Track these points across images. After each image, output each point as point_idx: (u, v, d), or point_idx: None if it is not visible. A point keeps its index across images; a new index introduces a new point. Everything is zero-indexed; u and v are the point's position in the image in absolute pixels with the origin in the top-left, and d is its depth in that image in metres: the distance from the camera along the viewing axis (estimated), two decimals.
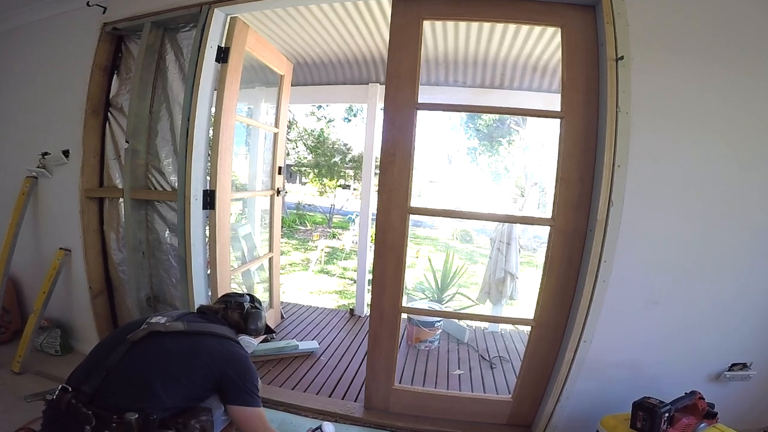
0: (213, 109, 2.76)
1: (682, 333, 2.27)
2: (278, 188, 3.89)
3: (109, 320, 3.19)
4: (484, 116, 16.26)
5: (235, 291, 2.35)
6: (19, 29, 3.29)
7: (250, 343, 2.09)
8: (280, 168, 3.88)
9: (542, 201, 15.87)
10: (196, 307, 2.34)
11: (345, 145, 17.16)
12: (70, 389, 1.55)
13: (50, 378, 2.84)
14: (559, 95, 2.27)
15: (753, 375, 2.33)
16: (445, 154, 20.81)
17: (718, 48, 2.06)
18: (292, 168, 19.05)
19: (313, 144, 16.58)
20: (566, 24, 2.23)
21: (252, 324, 2.09)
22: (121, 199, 2.98)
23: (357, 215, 10.49)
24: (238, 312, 2.09)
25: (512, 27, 3.19)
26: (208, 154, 2.78)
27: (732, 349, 2.32)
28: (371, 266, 2.60)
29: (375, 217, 2.50)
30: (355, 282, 5.21)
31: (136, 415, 1.49)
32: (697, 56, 2.06)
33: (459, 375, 3.42)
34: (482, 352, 3.84)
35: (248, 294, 2.25)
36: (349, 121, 17.13)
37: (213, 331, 1.87)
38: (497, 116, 15.60)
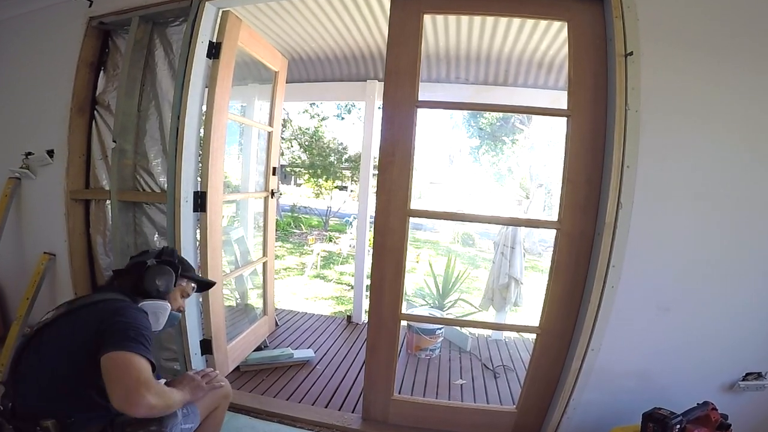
0: (204, 107, 2.76)
1: (695, 341, 2.26)
2: (272, 190, 3.88)
3: None
4: (487, 115, 16.26)
5: (148, 249, 2.02)
6: (1, 24, 3.29)
7: (156, 306, 1.76)
8: (274, 169, 3.88)
9: (548, 203, 15.92)
10: None
11: (340, 144, 17.16)
12: None
13: None
14: (566, 92, 2.28)
15: None
16: (447, 154, 20.80)
17: (732, 43, 2.06)
18: (286, 169, 19.05)
19: (307, 143, 16.58)
20: (573, 18, 2.23)
21: (147, 282, 1.76)
22: (108, 201, 2.97)
23: (354, 218, 10.50)
24: (135, 273, 1.79)
25: (516, 21, 3.20)
26: (199, 154, 2.77)
27: (746, 358, 2.30)
28: (369, 271, 2.60)
29: (373, 219, 2.49)
30: (352, 288, 5.20)
31: (53, 420, 1.42)
32: (710, 52, 2.06)
33: (461, 385, 3.42)
34: (485, 361, 3.84)
35: (164, 248, 1.98)
36: (343, 118, 17.12)
37: (95, 299, 1.64)
38: (501, 114, 15.58)
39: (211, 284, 2.17)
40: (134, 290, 1.76)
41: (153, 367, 1.46)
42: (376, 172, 2.63)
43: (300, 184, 21.39)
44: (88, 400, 1.48)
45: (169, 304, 1.81)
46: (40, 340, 1.55)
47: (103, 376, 1.38)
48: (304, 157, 16.99)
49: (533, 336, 2.52)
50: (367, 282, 4.41)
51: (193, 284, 2.02)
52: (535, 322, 2.46)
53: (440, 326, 3.99)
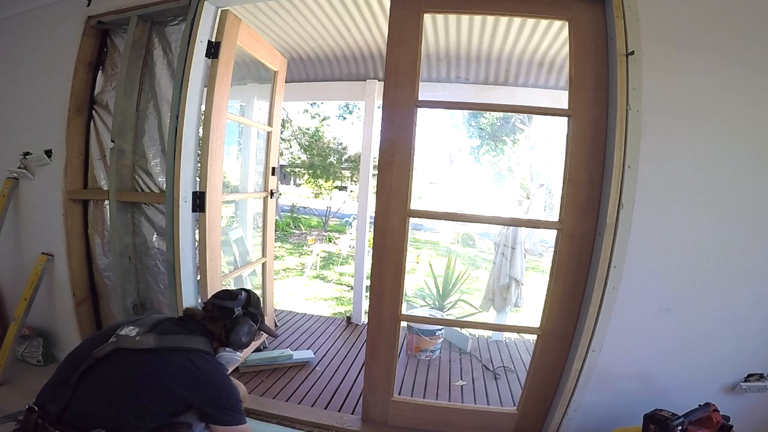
0: (203, 107, 2.76)
1: (696, 342, 2.26)
2: (272, 190, 3.88)
3: (94, 328, 3.18)
4: (488, 114, 16.26)
5: (229, 289, 2.11)
6: None
7: (232, 359, 1.94)
8: (273, 169, 3.87)
9: (549, 203, 15.90)
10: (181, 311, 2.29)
11: (340, 144, 17.17)
12: (36, 409, 1.54)
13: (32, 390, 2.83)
14: (567, 92, 2.28)
15: None
16: (447, 154, 20.78)
17: (734, 43, 2.06)
18: (285, 169, 19.05)
19: (307, 143, 16.59)
20: (574, 17, 2.23)
21: (234, 337, 1.89)
22: (106, 202, 2.97)
23: (354, 218, 10.50)
24: (222, 321, 1.91)
25: (517, 21, 3.20)
26: (198, 154, 2.77)
27: (748, 359, 2.30)
28: (369, 272, 2.59)
29: (373, 220, 2.49)
30: (352, 288, 5.20)
31: (101, 430, 1.47)
32: (712, 51, 2.06)
33: (461, 386, 3.42)
34: (486, 362, 3.83)
35: (245, 291, 2.06)
36: (344, 119, 17.13)
37: (184, 346, 1.75)
38: (501, 114, 15.59)
39: (273, 336, 2.38)
40: (218, 338, 1.89)
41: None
42: (376, 172, 2.63)
43: (299, 185, 21.38)
44: (144, 422, 1.58)
45: (241, 356, 2.00)
46: (115, 366, 1.63)
47: None
48: (303, 157, 17.00)
49: (534, 337, 2.52)
50: (366, 283, 4.41)
51: (262, 334, 2.20)
52: (536, 323, 2.46)
53: (440, 327, 3.98)
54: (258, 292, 4.11)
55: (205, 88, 2.75)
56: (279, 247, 12.44)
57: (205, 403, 1.68)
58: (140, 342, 1.67)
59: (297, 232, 15.23)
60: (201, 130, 2.78)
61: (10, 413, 2.45)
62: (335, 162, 16.74)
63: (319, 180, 16.88)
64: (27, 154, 3.05)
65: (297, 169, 18.59)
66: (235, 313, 1.93)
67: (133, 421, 1.55)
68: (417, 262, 10.94)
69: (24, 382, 2.92)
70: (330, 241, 13.05)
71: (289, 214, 17.39)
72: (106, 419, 1.51)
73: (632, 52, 2.04)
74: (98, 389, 1.58)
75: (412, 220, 2.50)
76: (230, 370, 1.93)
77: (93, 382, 1.59)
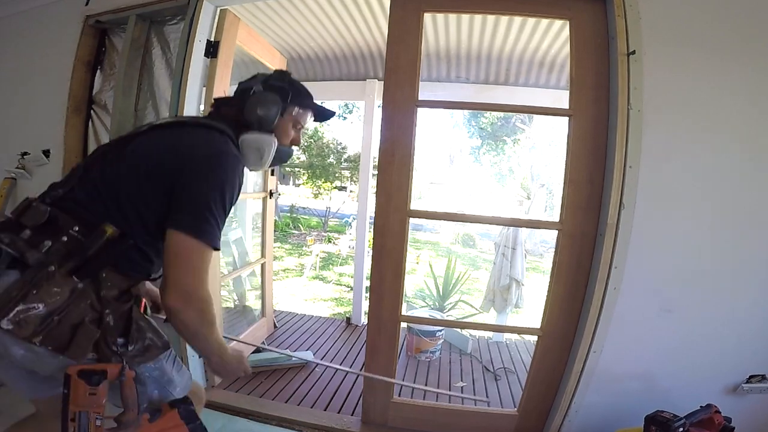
0: (202, 107, 2.76)
1: (697, 343, 2.26)
2: (271, 190, 3.88)
3: None
4: (488, 114, 16.28)
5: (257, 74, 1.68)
6: None
7: (257, 140, 1.50)
8: (273, 169, 3.87)
9: (549, 203, 15.93)
10: None
11: (339, 144, 17.18)
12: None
13: None
14: (568, 92, 2.28)
15: None
16: (447, 154, 20.83)
17: (736, 43, 2.06)
18: (284, 169, 19.05)
19: (306, 143, 16.60)
20: (575, 17, 2.23)
21: (250, 111, 1.49)
22: None
23: (354, 218, 10.49)
24: (237, 102, 1.53)
25: (518, 20, 3.20)
26: None
27: (750, 360, 2.30)
28: (369, 272, 2.59)
29: (373, 220, 2.49)
30: (351, 289, 5.20)
31: (114, 228, 1.24)
32: (714, 51, 2.06)
33: (462, 387, 3.42)
34: (486, 363, 3.83)
35: (275, 71, 1.70)
36: (344, 118, 17.15)
37: (199, 121, 1.49)
38: (502, 114, 15.61)
39: (330, 114, 1.82)
40: (236, 122, 1.50)
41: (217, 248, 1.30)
42: (376, 172, 2.63)
43: (299, 185, 21.42)
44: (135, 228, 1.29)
45: (274, 138, 1.53)
46: (127, 147, 1.37)
47: (164, 247, 1.25)
48: (303, 157, 17.01)
49: (534, 338, 2.52)
50: (366, 283, 4.41)
51: (310, 113, 1.69)
52: (537, 323, 2.45)
53: (440, 328, 3.98)
54: (257, 293, 4.15)
55: (204, 88, 2.75)
56: (278, 247, 12.44)
57: (181, 185, 1.27)
58: (158, 122, 1.49)
59: (296, 232, 15.23)
60: None
61: None
62: (335, 162, 16.76)
63: (319, 180, 16.89)
64: (25, 154, 3.05)
65: (296, 169, 18.61)
66: (253, 90, 1.53)
67: (129, 211, 1.28)
68: (417, 263, 10.94)
69: None
70: (329, 242, 13.05)
71: (289, 214, 17.39)
72: (107, 211, 1.27)
73: (633, 52, 2.04)
74: (106, 173, 1.33)
75: (412, 221, 2.50)
76: (265, 157, 1.52)
77: (105, 166, 1.35)
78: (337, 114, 16.62)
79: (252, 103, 1.49)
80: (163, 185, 1.28)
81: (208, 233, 1.25)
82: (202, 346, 1.36)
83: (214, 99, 1.65)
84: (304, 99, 1.65)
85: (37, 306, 1.11)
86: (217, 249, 1.29)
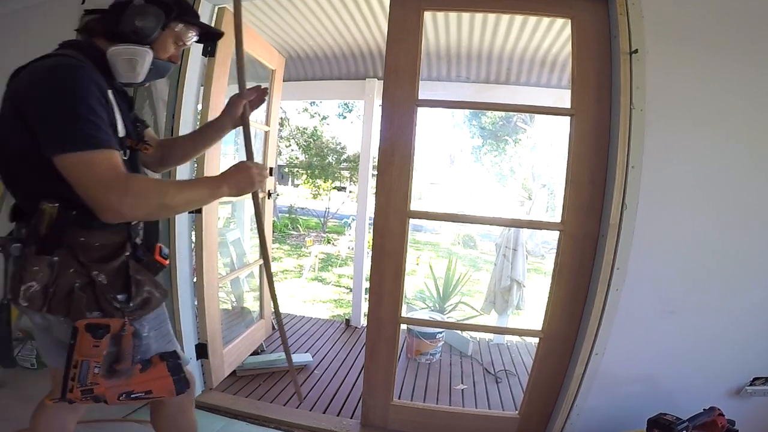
0: (200, 106, 2.76)
1: (700, 345, 2.26)
2: (269, 190, 3.88)
3: None
4: (489, 114, 16.30)
5: None
6: None
7: (134, 53, 1.39)
8: (271, 169, 3.87)
9: (551, 204, 15.92)
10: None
11: (339, 143, 17.19)
12: None
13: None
14: (569, 91, 2.27)
15: None
16: (448, 154, 20.84)
17: (739, 41, 2.06)
18: (283, 169, 19.07)
19: (305, 143, 16.60)
20: (576, 15, 2.23)
21: (126, 22, 1.36)
22: None
23: (353, 219, 10.50)
24: (112, 14, 1.40)
25: (519, 18, 3.20)
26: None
27: (754, 362, 2.30)
28: (368, 274, 2.59)
29: (372, 221, 2.49)
30: (351, 290, 5.20)
31: (49, 204, 1.26)
32: (717, 50, 2.05)
33: (462, 390, 3.42)
34: (487, 366, 3.83)
35: None
36: (344, 117, 17.15)
37: (46, 54, 1.37)
38: (503, 114, 15.63)
39: (217, 34, 1.75)
40: (108, 34, 1.40)
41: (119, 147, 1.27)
42: (376, 172, 2.63)
43: (298, 185, 21.41)
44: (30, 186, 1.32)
45: (149, 50, 1.41)
46: None
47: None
48: (302, 157, 17.02)
49: (536, 340, 2.52)
50: (366, 285, 4.41)
51: (192, 30, 1.57)
52: (538, 325, 2.45)
53: (441, 330, 3.97)
54: (255, 294, 4.14)
55: (202, 87, 2.75)
56: (277, 248, 12.44)
57: (34, 114, 1.21)
58: None
59: (295, 233, 15.23)
60: None
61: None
62: (334, 162, 16.75)
63: (318, 180, 16.89)
64: None
65: (295, 169, 18.62)
66: (133, 2, 1.38)
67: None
68: (417, 264, 10.95)
69: (18, 385, 2.92)
70: (329, 243, 13.06)
71: (287, 215, 17.39)
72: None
73: (636, 51, 2.04)
74: None
75: (412, 221, 2.50)
76: (139, 69, 1.42)
77: None
78: (336, 113, 16.70)
79: (129, 15, 1.36)
80: (20, 133, 1.22)
81: (82, 139, 1.17)
82: (192, 200, 1.43)
83: (85, 11, 1.49)
84: (189, 16, 1.55)
85: (32, 284, 1.25)
86: (106, 146, 1.20)
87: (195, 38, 1.62)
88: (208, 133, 1.79)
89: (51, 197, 1.25)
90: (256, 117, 4.58)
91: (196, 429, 1.77)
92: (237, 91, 1.70)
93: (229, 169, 1.49)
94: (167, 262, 1.57)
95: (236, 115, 1.71)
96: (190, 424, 1.74)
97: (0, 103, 1.30)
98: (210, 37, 1.73)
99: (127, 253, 1.39)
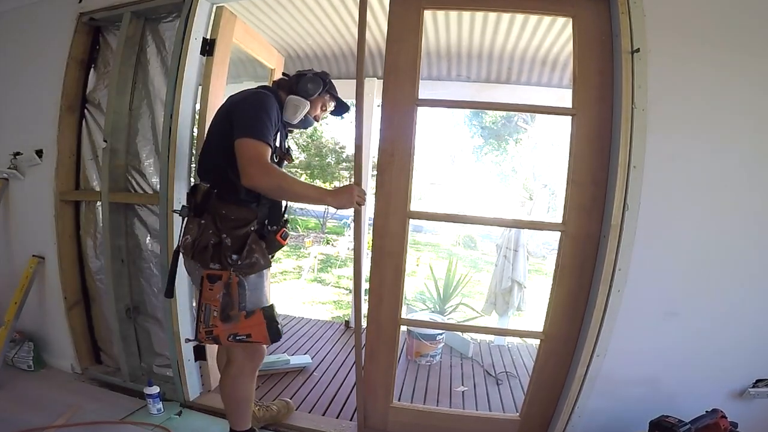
0: (198, 106, 2.76)
1: (703, 347, 2.26)
2: None
3: (86, 333, 3.17)
4: (490, 113, 16.29)
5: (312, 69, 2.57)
6: None
7: (299, 101, 2.20)
8: None
9: (552, 204, 15.88)
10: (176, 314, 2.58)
11: (338, 143, 17.16)
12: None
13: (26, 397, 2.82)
14: (570, 91, 2.27)
15: None
16: (448, 154, 20.86)
17: (743, 39, 2.05)
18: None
19: (304, 143, 16.58)
20: (578, 14, 2.23)
21: (302, 84, 2.21)
22: (98, 203, 2.96)
23: (352, 220, 10.49)
24: (294, 78, 2.27)
25: (520, 17, 3.20)
26: (193, 154, 2.77)
27: (756, 364, 2.30)
28: (368, 275, 2.59)
29: (372, 221, 2.49)
30: (350, 292, 5.19)
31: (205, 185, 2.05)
32: (720, 48, 2.05)
33: (462, 392, 3.42)
34: (487, 367, 3.83)
35: (322, 72, 2.35)
36: (343, 117, 17.10)
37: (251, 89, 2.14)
38: (504, 113, 15.62)
39: (346, 109, 2.57)
40: (287, 89, 2.24)
41: (273, 149, 1.96)
42: (375, 172, 2.62)
43: None
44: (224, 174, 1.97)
45: (308, 103, 2.22)
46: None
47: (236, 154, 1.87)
48: (301, 157, 16.99)
49: (537, 341, 2.52)
50: (365, 286, 4.40)
51: (333, 102, 2.44)
52: (539, 327, 2.45)
53: (441, 331, 3.97)
54: None
55: (200, 87, 2.75)
56: None
57: (235, 117, 1.94)
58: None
59: (294, 234, 15.21)
60: (196, 130, 2.77)
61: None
62: (333, 162, 16.73)
63: (317, 180, 16.87)
64: (17, 154, 3.04)
65: (294, 169, 18.58)
66: (308, 74, 2.26)
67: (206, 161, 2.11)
68: (417, 265, 10.94)
69: (15, 387, 2.91)
70: (328, 244, 13.05)
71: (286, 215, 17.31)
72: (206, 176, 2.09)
73: (638, 50, 2.04)
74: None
75: (413, 222, 2.50)
76: (299, 114, 2.21)
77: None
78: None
79: (306, 79, 2.22)
80: (226, 126, 1.96)
81: (256, 132, 1.87)
82: (301, 193, 2.06)
83: (282, 74, 2.47)
84: (334, 92, 2.42)
85: (188, 237, 1.99)
86: (267, 143, 1.88)
87: (332, 108, 2.49)
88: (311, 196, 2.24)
89: (220, 175, 1.98)
90: None
91: (251, 396, 2.23)
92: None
93: (340, 186, 2.14)
94: (285, 242, 2.16)
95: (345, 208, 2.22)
96: (246, 389, 2.17)
97: (218, 116, 2.09)
98: (342, 110, 2.58)
99: (252, 228, 1.97)
